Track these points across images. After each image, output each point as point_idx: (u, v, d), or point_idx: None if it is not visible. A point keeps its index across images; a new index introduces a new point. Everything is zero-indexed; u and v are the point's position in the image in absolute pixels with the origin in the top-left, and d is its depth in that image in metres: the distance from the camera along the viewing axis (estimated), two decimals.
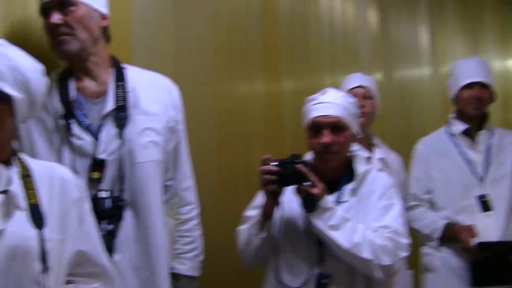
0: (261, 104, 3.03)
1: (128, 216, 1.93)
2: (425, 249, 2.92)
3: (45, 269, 1.54)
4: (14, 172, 1.59)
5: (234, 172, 2.84)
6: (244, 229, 2.16)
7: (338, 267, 2.04)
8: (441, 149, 2.95)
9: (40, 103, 1.66)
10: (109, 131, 1.93)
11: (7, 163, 1.59)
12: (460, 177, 2.85)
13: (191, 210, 2.16)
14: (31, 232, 1.54)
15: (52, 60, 1.98)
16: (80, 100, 1.95)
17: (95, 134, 1.93)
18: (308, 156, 2.21)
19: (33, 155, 1.88)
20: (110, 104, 1.95)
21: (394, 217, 2.09)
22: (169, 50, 2.63)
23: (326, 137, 2.07)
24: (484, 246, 2.69)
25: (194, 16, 2.74)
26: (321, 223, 1.99)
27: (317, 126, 2.10)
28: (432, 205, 2.92)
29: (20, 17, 2.10)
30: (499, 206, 2.79)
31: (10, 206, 1.54)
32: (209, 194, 2.33)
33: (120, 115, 1.95)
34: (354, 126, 2.16)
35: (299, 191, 2.02)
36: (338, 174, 2.16)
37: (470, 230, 2.74)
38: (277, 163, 2.00)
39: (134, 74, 2.05)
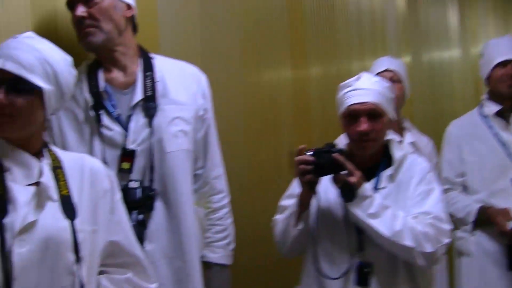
0: (289, 92, 3.02)
1: (158, 206, 1.95)
2: (459, 233, 2.88)
3: (78, 259, 1.56)
4: (45, 164, 1.61)
5: (262, 160, 2.85)
6: (280, 219, 2.14)
7: (379, 255, 2.01)
8: (473, 132, 2.91)
9: (69, 94, 1.67)
10: (138, 121, 1.95)
11: (38, 155, 1.62)
12: (494, 160, 2.81)
13: (222, 199, 2.15)
14: (63, 223, 1.55)
15: (82, 52, 1.99)
16: (109, 91, 1.97)
17: (124, 125, 1.94)
18: (339, 142, 2.20)
19: (64, 146, 1.91)
20: (138, 94, 1.96)
21: (434, 203, 2.04)
22: (196, 39, 2.63)
23: (363, 125, 2.03)
24: None
25: (221, 5, 2.74)
26: (360, 212, 1.97)
27: (353, 114, 2.06)
28: (465, 189, 2.88)
29: (50, 10, 2.13)
30: None
31: (42, 198, 1.56)
32: (238, 183, 2.33)
33: (149, 105, 1.96)
34: (391, 111, 2.12)
35: (336, 181, 1.99)
36: (375, 160, 2.12)
37: (505, 213, 2.70)
38: (312, 152, 1.98)
39: (162, 64, 2.06)
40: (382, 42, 3.64)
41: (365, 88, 2.08)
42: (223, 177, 2.19)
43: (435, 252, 1.98)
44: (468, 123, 2.96)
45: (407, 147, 2.82)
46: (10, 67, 1.51)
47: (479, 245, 2.80)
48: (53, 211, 1.56)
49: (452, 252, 2.96)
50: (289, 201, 2.13)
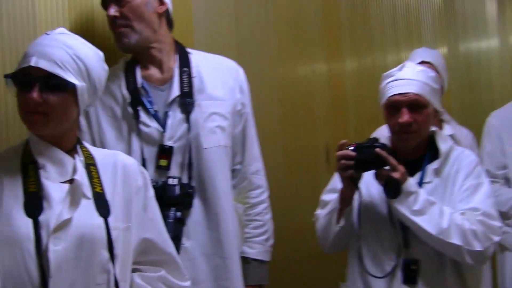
0: (324, 85, 3.02)
1: (197, 203, 1.95)
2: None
3: (112, 257, 1.56)
4: (78, 161, 1.62)
5: (297, 154, 2.85)
6: (322, 215, 2.12)
7: (425, 252, 1.97)
8: None
9: (101, 90, 1.68)
10: (175, 117, 1.95)
11: (71, 152, 1.63)
12: None
13: (261, 194, 2.14)
14: (97, 220, 1.56)
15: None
16: (146, 88, 1.98)
17: (161, 121, 1.95)
18: (379, 134, 2.17)
19: (102, 143, 1.94)
20: (175, 91, 1.97)
21: (483, 198, 1.97)
22: (231, 34, 2.65)
23: (404, 117, 1.97)
24: None
25: (257, 5, 2.76)
26: (404, 209, 1.92)
27: (394, 105, 2.01)
28: (507, 181, 2.84)
29: (87, 9, 2.16)
30: None
31: (76, 195, 1.57)
32: (274, 177, 2.34)
33: (186, 101, 1.97)
34: (436, 102, 2.06)
35: (379, 176, 1.96)
36: (420, 153, 2.07)
37: None
38: (354, 147, 1.95)
39: (199, 59, 2.06)
40: (418, 34, 3.62)
41: (407, 78, 2.03)
42: (261, 172, 2.18)
43: (485, 251, 1.92)
44: (509, 114, 2.91)
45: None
46: (44, 65, 1.51)
47: None
48: (87, 208, 1.57)
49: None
50: (330, 196, 2.11)
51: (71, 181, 1.58)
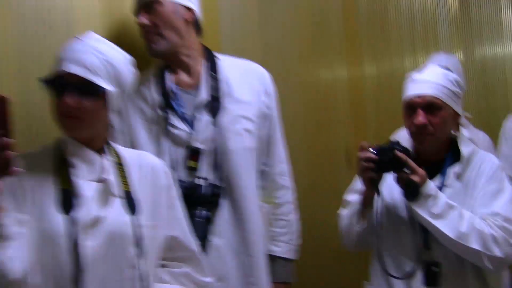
0: (344, 89, 3.04)
1: (224, 203, 1.98)
2: None
3: (140, 253, 1.60)
4: (108, 161, 1.66)
5: (318, 155, 2.87)
6: (344, 215, 2.12)
7: (446, 254, 1.94)
8: None
9: (129, 92, 1.72)
10: (203, 120, 1.99)
11: (101, 152, 1.67)
12: None
13: (286, 194, 2.17)
14: (126, 218, 1.60)
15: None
16: (176, 92, 2.02)
17: (190, 124, 1.99)
18: (399, 135, 2.18)
19: (134, 144, 1.98)
20: (203, 94, 2.01)
21: (505, 203, 1.94)
22: (256, 41, 2.67)
23: (419, 118, 1.97)
24: None
25: (278, 7, 2.78)
26: (423, 212, 1.90)
27: (411, 106, 2.01)
28: None
29: (120, 16, 2.21)
30: None
31: (106, 194, 1.61)
32: (297, 177, 2.35)
33: (214, 105, 2.01)
34: (455, 105, 2.04)
35: (399, 179, 1.94)
36: (442, 155, 2.05)
37: None
38: (374, 149, 1.95)
39: (226, 63, 2.10)
40: (434, 39, 3.62)
41: (425, 80, 2.02)
42: (287, 173, 2.20)
43: (505, 257, 1.90)
44: None
45: None
46: (77, 71, 1.56)
47: None
48: (116, 206, 1.61)
49: None
50: (353, 196, 2.11)
51: (100, 180, 1.62)
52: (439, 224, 1.89)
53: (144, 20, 1.98)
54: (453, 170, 2.02)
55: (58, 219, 1.54)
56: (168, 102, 2.00)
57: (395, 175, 1.95)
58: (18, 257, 1.48)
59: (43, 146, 1.69)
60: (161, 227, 1.70)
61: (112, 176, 1.64)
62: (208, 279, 1.78)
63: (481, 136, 3.00)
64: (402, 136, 2.12)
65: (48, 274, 1.54)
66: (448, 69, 2.87)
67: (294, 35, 2.83)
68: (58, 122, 1.61)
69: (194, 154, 1.97)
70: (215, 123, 1.99)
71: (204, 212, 1.95)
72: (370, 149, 1.95)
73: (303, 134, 2.76)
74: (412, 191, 1.92)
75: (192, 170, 1.96)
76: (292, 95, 2.58)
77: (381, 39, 3.24)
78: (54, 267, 1.54)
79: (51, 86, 1.59)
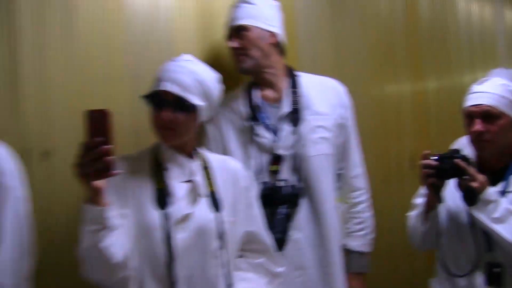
0: (409, 102, 3.07)
1: (303, 202, 2.09)
2: None
3: (222, 245, 1.70)
4: (196, 164, 1.77)
5: (387, 161, 2.92)
6: (412, 216, 2.16)
7: (509, 256, 1.94)
8: None
9: (216, 105, 1.84)
10: (285, 130, 2.11)
11: (190, 157, 1.79)
12: None
13: (361, 195, 2.28)
14: (211, 215, 1.70)
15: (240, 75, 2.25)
16: (262, 105, 2.17)
17: (274, 133, 2.12)
18: (461, 143, 2.19)
19: (227, 150, 2.13)
20: (286, 108, 2.14)
21: None
22: (329, 59, 2.76)
23: (476, 126, 1.99)
24: None
25: (348, 28, 2.86)
26: (483, 216, 1.91)
27: (469, 115, 2.04)
28: None
29: (217, 39, 2.38)
30: None
31: (195, 193, 1.72)
32: (369, 180, 2.42)
33: (295, 116, 2.13)
34: None
35: (459, 185, 1.96)
36: (504, 162, 2.05)
37: None
38: (436, 157, 1.97)
39: (306, 80, 2.23)
40: (492, 56, 3.62)
41: (483, 91, 2.05)
42: (362, 176, 2.30)
43: None
44: None
45: None
46: (175, 89, 1.68)
47: None
48: (203, 204, 1.71)
49: None
50: (420, 199, 2.16)
51: (190, 181, 1.73)
52: (499, 228, 1.90)
53: (234, 43, 2.14)
54: None
55: (154, 214, 1.66)
56: (254, 114, 2.14)
57: (456, 181, 1.98)
58: (120, 244, 1.58)
59: (140, 151, 1.81)
60: (240, 223, 1.80)
61: (199, 178, 1.74)
62: (280, 269, 1.88)
63: None
64: (464, 145, 2.16)
65: (145, 259, 1.64)
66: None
67: (364, 55, 2.90)
68: (156, 131, 1.73)
69: (276, 159, 2.09)
70: (295, 132, 2.11)
71: (284, 210, 2.05)
72: (432, 157, 1.98)
73: (373, 142, 2.79)
74: (471, 197, 1.93)
75: (274, 173, 2.08)
76: (363, 108, 2.59)
77: (442, 57, 3.25)
78: (150, 254, 1.64)
79: (151, 101, 1.73)
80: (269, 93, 2.20)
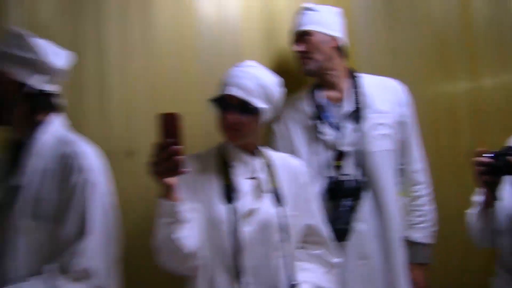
0: (465, 99, 3.05)
1: (366, 195, 2.15)
2: None
3: (284, 238, 1.74)
4: (259, 162, 1.83)
5: (446, 157, 2.90)
6: (470, 213, 2.12)
7: None
8: None
9: (278, 108, 1.88)
10: (348, 128, 2.18)
11: (253, 155, 1.85)
12: None
13: (422, 189, 2.32)
14: (273, 210, 1.76)
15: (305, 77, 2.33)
16: (326, 105, 2.24)
17: (338, 131, 2.18)
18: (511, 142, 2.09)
19: (292, 147, 2.21)
20: (348, 107, 2.22)
21: None
22: (386, 61, 2.82)
23: None
24: None
25: (405, 28, 2.90)
26: None
27: None
28: None
29: (283, 44, 2.49)
30: None
31: (259, 189, 1.78)
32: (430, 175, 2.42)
33: (357, 115, 2.20)
34: None
35: None
36: None
37: None
38: (490, 154, 1.93)
39: (367, 80, 2.30)
40: None
41: None
42: (423, 170, 2.33)
43: None
44: None
45: None
46: (240, 93, 1.75)
47: None
48: (266, 200, 1.77)
49: None
50: (478, 197, 2.10)
51: (254, 178, 1.80)
52: None
53: (299, 47, 2.24)
54: None
55: (222, 209, 1.72)
56: (318, 114, 2.22)
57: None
58: (191, 236, 1.65)
59: (208, 149, 1.88)
60: (300, 217, 1.85)
61: (262, 175, 1.81)
62: (336, 260, 1.92)
63: None
64: None
65: (215, 250, 1.71)
66: None
67: (420, 54, 2.93)
68: (222, 132, 1.80)
69: (340, 155, 2.16)
70: (358, 130, 2.17)
71: (348, 202, 2.12)
72: (486, 154, 1.94)
73: (430, 139, 2.77)
74: None
75: (338, 168, 2.15)
76: (420, 106, 2.57)
77: (497, 56, 3.21)
78: (218, 245, 1.71)
79: (218, 104, 1.80)
80: (332, 93, 2.27)
